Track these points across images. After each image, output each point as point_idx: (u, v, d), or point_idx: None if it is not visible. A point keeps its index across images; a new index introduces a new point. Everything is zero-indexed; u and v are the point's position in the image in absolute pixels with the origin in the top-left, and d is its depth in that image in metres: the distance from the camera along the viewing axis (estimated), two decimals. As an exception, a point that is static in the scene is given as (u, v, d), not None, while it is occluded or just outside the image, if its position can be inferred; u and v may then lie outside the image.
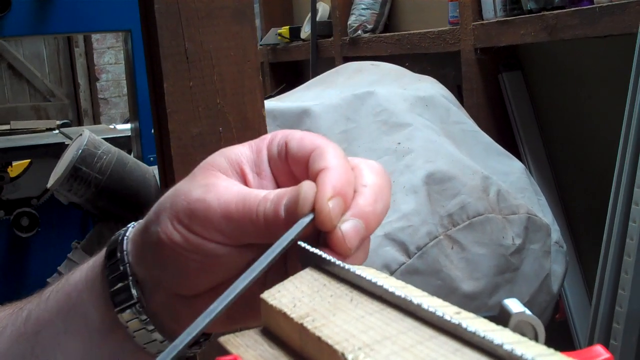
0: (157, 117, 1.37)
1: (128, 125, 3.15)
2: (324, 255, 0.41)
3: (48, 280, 1.79)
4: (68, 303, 0.57)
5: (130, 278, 0.54)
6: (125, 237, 0.57)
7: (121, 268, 0.55)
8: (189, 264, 0.50)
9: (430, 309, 0.35)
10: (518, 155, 2.18)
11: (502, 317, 0.43)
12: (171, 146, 1.32)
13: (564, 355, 0.30)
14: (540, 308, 1.68)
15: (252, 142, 0.56)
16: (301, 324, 0.35)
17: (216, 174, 0.53)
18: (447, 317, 0.33)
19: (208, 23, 1.33)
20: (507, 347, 0.30)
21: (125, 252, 0.56)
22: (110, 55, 6.61)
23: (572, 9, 1.89)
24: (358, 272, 0.38)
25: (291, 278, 0.41)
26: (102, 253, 0.58)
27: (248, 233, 0.48)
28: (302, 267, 0.42)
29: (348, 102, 1.76)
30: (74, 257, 1.75)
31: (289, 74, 3.91)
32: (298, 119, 1.73)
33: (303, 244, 0.42)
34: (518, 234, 1.61)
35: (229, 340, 0.38)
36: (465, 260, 1.54)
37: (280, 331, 0.37)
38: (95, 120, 6.78)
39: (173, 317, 0.53)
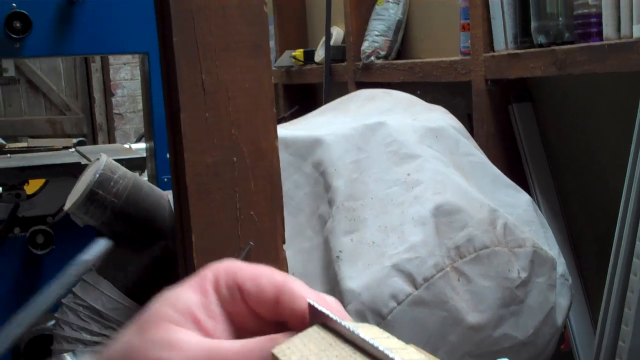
0: (174, 146, 1.41)
1: (143, 145, 3.20)
2: (331, 315, 0.44)
3: (63, 301, 1.82)
4: None
5: None
6: None
7: None
8: None
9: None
10: (526, 186, 2.21)
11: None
12: (186, 175, 1.36)
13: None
14: (545, 340, 1.70)
15: (194, 283, 0.51)
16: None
17: (169, 328, 0.48)
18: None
19: (225, 56, 1.37)
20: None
21: None
22: (126, 71, 6.68)
23: (582, 44, 1.92)
24: (362, 334, 0.42)
25: (300, 335, 0.44)
26: None
27: None
28: (310, 325, 0.45)
29: (359, 132, 1.80)
30: (89, 280, 1.79)
31: (303, 96, 3.95)
32: (310, 148, 1.77)
33: (312, 302, 0.46)
34: (524, 267, 1.63)
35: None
36: (471, 293, 1.57)
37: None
38: (110, 134, 6.85)
39: None
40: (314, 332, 0.44)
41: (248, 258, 1.40)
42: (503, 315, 1.60)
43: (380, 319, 1.52)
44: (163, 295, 0.51)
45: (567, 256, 2.12)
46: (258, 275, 0.49)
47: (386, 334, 0.44)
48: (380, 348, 0.39)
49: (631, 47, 1.76)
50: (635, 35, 1.77)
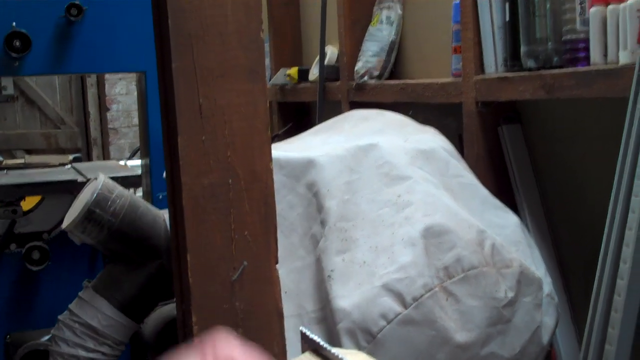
0: (171, 169, 1.45)
1: (138, 161, 3.24)
2: (322, 342, 0.48)
3: (59, 317, 1.85)
4: None
5: None
6: None
7: None
8: None
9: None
10: (515, 207, 2.25)
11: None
12: (183, 197, 1.40)
13: None
14: (531, 359, 1.74)
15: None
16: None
17: None
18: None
19: (222, 81, 1.41)
20: None
21: None
22: (121, 86, 6.72)
23: (570, 69, 1.97)
24: None
25: (295, 360, 0.48)
26: None
27: None
28: (303, 351, 0.49)
29: (352, 154, 1.84)
30: (85, 296, 1.82)
31: (297, 113, 4.00)
32: (303, 169, 1.81)
33: (305, 330, 0.50)
34: (511, 287, 1.68)
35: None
36: (459, 312, 1.61)
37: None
38: (104, 149, 6.88)
39: None
40: (306, 358, 0.48)
41: (241, 277, 1.44)
42: (490, 334, 1.64)
43: (370, 338, 1.56)
44: None
45: (555, 276, 2.16)
46: None
47: (372, 360, 0.47)
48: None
49: (617, 73, 1.81)
50: (621, 61, 1.82)
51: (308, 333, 0.48)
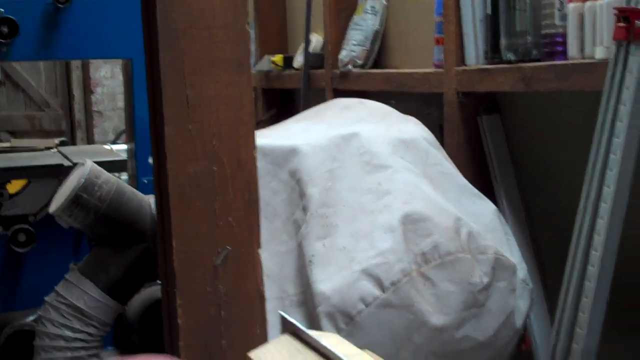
0: (157, 157, 1.49)
1: (123, 145, 3.27)
2: (300, 325, 0.53)
3: (46, 298, 1.90)
4: None
5: None
6: None
7: None
8: None
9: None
10: (492, 194, 2.31)
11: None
12: (169, 184, 1.45)
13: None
14: (504, 342, 1.81)
15: None
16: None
17: None
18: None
19: (209, 72, 1.46)
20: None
21: None
22: (106, 70, 6.72)
23: (548, 62, 2.02)
24: (323, 342, 0.50)
25: (273, 342, 0.52)
26: None
27: None
28: (282, 333, 0.54)
29: (334, 143, 1.89)
30: (71, 278, 1.87)
31: (281, 100, 4.03)
32: (287, 156, 1.86)
33: (284, 314, 0.54)
34: (486, 273, 1.74)
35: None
36: (436, 296, 1.67)
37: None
38: (88, 131, 6.88)
39: None
40: (285, 340, 0.52)
41: (225, 262, 1.49)
42: (465, 318, 1.70)
43: (349, 320, 1.61)
44: None
45: (530, 262, 2.23)
46: None
47: (345, 342, 0.52)
48: (339, 354, 0.48)
49: (593, 67, 1.87)
50: (597, 56, 1.87)
51: (287, 317, 0.53)
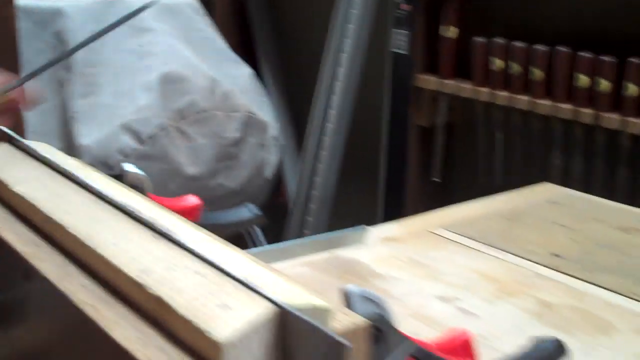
0: None
1: None
2: (12, 133, 0.68)
3: None
4: None
5: None
6: None
7: None
8: None
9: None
10: (254, 61, 2.50)
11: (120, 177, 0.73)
12: None
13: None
14: (255, 190, 2.05)
15: None
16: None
17: None
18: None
19: None
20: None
21: None
22: None
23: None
24: (42, 152, 0.65)
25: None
26: None
27: None
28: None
29: (99, 5, 1.97)
30: None
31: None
32: (51, 17, 1.92)
33: (3, 129, 0.69)
34: (237, 129, 1.94)
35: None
36: (190, 149, 1.86)
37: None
38: None
39: None
40: (4, 148, 0.67)
41: None
42: (218, 169, 1.91)
43: (109, 171, 1.76)
44: None
45: (286, 123, 2.46)
46: None
47: (56, 151, 0.68)
48: (55, 160, 0.63)
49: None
50: None
51: (2, 127, 0.67)
